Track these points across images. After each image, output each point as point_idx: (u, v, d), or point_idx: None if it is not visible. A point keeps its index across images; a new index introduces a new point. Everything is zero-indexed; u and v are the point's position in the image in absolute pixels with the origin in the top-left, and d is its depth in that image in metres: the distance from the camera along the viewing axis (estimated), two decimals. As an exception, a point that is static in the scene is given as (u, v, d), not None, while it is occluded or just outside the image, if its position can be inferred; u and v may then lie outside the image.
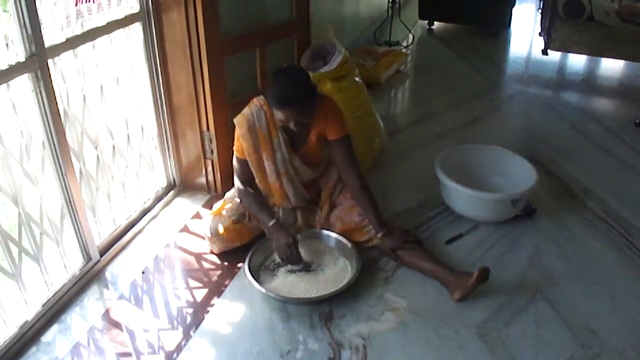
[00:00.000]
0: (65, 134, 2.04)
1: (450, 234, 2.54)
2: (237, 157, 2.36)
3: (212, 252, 2.44)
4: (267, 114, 2.26)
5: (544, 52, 4.48)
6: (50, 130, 1.97)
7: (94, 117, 2.29)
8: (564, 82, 4.50)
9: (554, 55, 4.69)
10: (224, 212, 2.40)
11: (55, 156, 2.02)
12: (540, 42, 4.72)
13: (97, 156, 2.35)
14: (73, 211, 2.14)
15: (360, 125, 2.83)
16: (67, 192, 2.10)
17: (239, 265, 2.36)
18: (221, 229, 2.34)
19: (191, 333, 2.04)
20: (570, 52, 4.53)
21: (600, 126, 3.60)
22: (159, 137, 2.68)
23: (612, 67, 4.61)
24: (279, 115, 2.14)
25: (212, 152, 2.70)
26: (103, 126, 2.36)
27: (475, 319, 2.09)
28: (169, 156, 2.75)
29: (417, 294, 2.21)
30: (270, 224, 2.29)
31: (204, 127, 2.64)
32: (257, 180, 2.38)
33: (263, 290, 2.13)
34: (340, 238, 2.37)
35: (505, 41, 5.30)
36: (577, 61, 4.78)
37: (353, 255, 2.29)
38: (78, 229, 2.19)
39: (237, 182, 2.41)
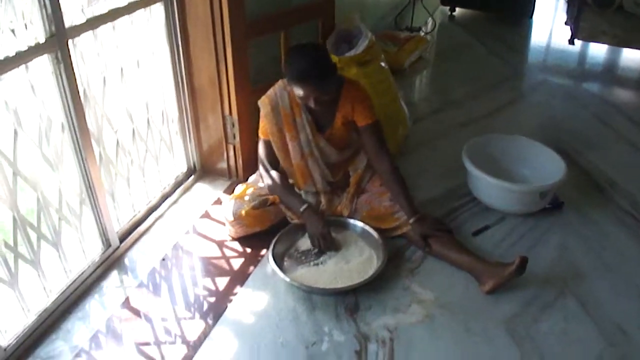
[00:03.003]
0: (85, 117, 1.99)
1: (476, 225, 2.47)
2: (262, 140, 2.32)
3: (231, 238, 2.39)
4: (291, 94, 2.22)
5: (571, 42, 4.37)
6: (70, 114, 1.92)
7: (114, 100, 2.23)
8: (587, 72, 4.38)
9: (578, 45, 4.57)
10: (245, 198, 2.34)
11: (75, 140, 1.97)
12: (565, 32, 4.61)
13: (117, 140, 2.29)
14: (93, 196, 2.09)
15: (386, 112, 2.75)
16: (87, 177, 2.05)
17: (262, 252, 2.31)
18: (243, 213, 2.28)
19: (213, 323, 1.99)
20: (598, 42, 4.41)
21: (625, 118, 3.50)
22: (180, 121, 2.62)
23: (636, 58, 4.48)
24: (297, 91, 2.09)
25: (234, 137, 2.64)
26: (123, 110, 2.30)
27: (504, 313, 2.03)
28: (190, 141, 2.70)
29: (445, 286, 2.14)
30: (303, 208, 2.25)
31: (226, 112, 2.58)
32: (280, 161, 2.33)
33: (287, 279, 2.07)
34: (367, 227, 2.31)
35: (527, 29, 5.17)
36: (601, 51, 4.65)
37: (379, 245, 2.23)
38: (98, 214, 2.14)
39: (262, 166, 2.36)
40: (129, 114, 2.33)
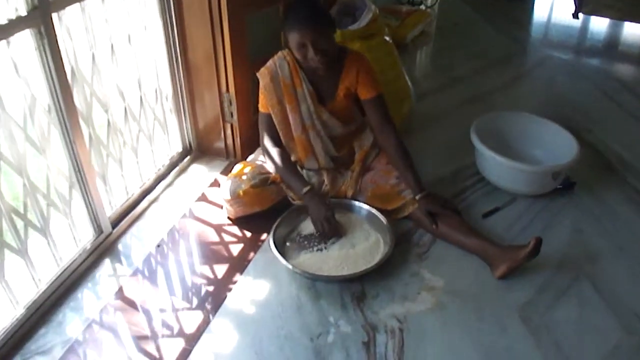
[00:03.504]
0: (72, 97, 1.86)
1: (486, 207, 2.37)
2: (261, 114, 2.22)
3: (230, 218, 2.28)
4: (291, 64, 2.14)
5: (575, 16, 4.24)
6: (56, 93, 1.79)
7: (104, 78, 2.10)
8: (592, 47, 4.25)
9: (583, 20, 4.44)
10: (244, 176, 2.22)
11: (62, 121, 1.84)
12: (569, 6, 4.47)
13: (108, 120, 2.17)
14: (82, 180, 1.97)
15: (390, 88, 2.62)
16: (76, 160, 1.92)
17: (263, 237, 2.20)
18: (241, 192, 2.17)
19: (212, 314, 1.88)
20: (602, 16, 4.29)
21: (631, 94, 3.39)
22: (174, 99, 2.49)
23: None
24: (294, 40, 2.01)
25: (231, 115, 2.51)
26: (114, 88, 2.17)
27: (516, 300, 1.93)
28: (185, 119, 2.57)
29: (454, 272, 2.05)
30: (304, 191, 2.14)
31: (223, 89, 2.45)
32: (281, 135, 2.23)
33: (290, 266, 1.97)
34: (373, 210, 2.20)
35: (531, 3, 5.03)
36: (607, 26, 4.53)
37: (386, 229, 2.12)
38: (88, 199, 2.02)
39: (264, 143, 2.26)
40: (120, 92, 2.20)
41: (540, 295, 1.95)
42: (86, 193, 2.01)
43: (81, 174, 1.96)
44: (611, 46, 4.27)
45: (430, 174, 2.55)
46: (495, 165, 2.38)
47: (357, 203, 2.25)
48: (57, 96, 1.79)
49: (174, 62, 2.40)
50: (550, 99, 3.30)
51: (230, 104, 2.48)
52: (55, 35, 1.74)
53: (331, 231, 2.12)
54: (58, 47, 1.75)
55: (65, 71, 1.80)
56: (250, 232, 2.24)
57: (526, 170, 2.30)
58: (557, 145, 2.46)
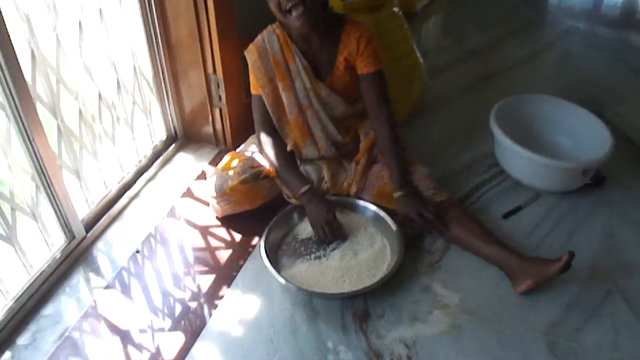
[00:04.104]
0: (27, 87, 1.59)
1: (506, 206, 2.11)
2: (254, 97, 1.96)
3: (217, 217, 2.04)
4: (281, 38, 1.89)
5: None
6: (7, 84, 1.51)
7: (72, 61, 1.82)
8: (617, 17, 3.90)
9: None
10: (232, 170, 1.96)
11: (17, 116, 1.58)
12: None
13: (79, 108, 1.90)
14: (47, 182, 1.72)
15: (400, 67, 2.35)
16: (38, 160, 1.66)
17: (254, 242, 1.96)
18: (228, 188, 1.91)
19: (194, 336, 1.65)
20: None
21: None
22: (156, 81, 2.22)
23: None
24: None
25: (219, 99, 2.24)
26: (84, 72, 1.89)
27: (542, 321, 1.69)
28: (169, 104, 2.30)
29: (472, 286, 1.80)
30: (303, 190, 1.89)
31: (210, 69, 2.18)
32: (274, 120, 1.96)
33: (283, 281, 1.72)
34: (380, 212, 1.93)
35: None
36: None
37: (393, 233, 1.87)
38: (56, 203, 1.77)
39: (258, 131, 2.00)
40: (92, 76, 1.92)
41: (568, 315, 1.71)
42: (53, 196, 1.76)
43: (45, 175, 1.70)
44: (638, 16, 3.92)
45: (444, 165, 2.29)
46: (518, 159, 2.11)
47: (361, 202, 2.00)
48: (8, 87, 1.52)
49: (154, 40, 2.12)
50: (574, 78, 2.99)
51: (218, 86, 2.20)
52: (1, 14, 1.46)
53: (332, 236, 1.87)
54: (5, 26, 1.47)
55: (17, 60, 1.52)
56: (240, 234, 1.99)
57: (554, 166, 2.03)
58: (587, 135, 2.19)
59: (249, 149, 2.09)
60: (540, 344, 1.63)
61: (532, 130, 2.29)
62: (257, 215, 1.99)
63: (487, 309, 1.73)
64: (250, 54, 1.91)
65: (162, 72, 2.20)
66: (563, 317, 1.70)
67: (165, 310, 1.73)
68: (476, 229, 1.87)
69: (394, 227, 1.88)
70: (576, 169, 2.03)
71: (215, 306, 1.73)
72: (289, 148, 1.99)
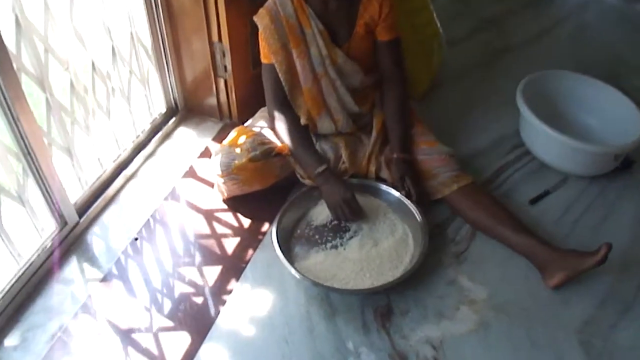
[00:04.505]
0: (9, 57, 1.40)
1: (533, 190, 1.97)
2: (264, 66, 1.80)
3: (223, 199, 1.88)
4: (295, 0, 1.73)
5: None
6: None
7: (62, 27, 1.63)
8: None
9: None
10: (237, 150, 1.79)
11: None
12: None
13: (70, 80, 1.71)
14: (34, 161, 1.54)
15: (419, 36, 2.18)
16: (22, 137, 1.49)
17: (264, 228, 1.81)
18: (236, 166, 1.75)
19: (201, 336, 1.51)
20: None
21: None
22: (155, 48, 2.03)
23: None
24: None
25: (225, 69, 2.06)
26: (75, 39, 1.70)
27: (575, 318, 1.58)
28: (169, 74, 2.12)
29: (499, 279, 1.67)
30: (319, 170, 1.74)
31: (215, 37, 1.99)
32: (286, 90, 1.79)
33: (298, 275, 1.57)
34: (403, 198, 1.77)
35: None
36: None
37: (416, 220, 1.72)
38: (44, 185, 1.60)
39: (269, 104, 1.85)
40: (84, 44, 1.73)
41: (602, 311, 1.60)
42: (41, 177, 1.59)
43: (32, 155, 1.53)
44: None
45: (465, 145, 2.14)
46: (546, 141, 1.96)
47: (383, 186, 1.84)
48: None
49: (153, 4, 1.93)
50: (598, 52, 2.77)
51: (224, 55, 2.02)
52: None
53: (353, 215, 1.73)
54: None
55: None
56: (249, 219, 1.84)
57: (587, 150, 1.88)
58: (616, 115, 2.06)
59: (257, 124, 1.92)
60: (574, 342, 1.52)
61: (558, 108, 2.14)
62: (267, 197, 1.85)
63: (517, 304, 1.61)
64: (261, 19, 1.74)
65: (162, 40, 2.01)
66: (596, 313, 1.59)
67: (169, 307, 1.59)
68: (503, 215, 1.73)
69: (418, 217, 1.72)
70: (609, 154, 1.89)
71: (224, 302, 1.59)
72: (302, 122, 1.83)
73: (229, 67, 2.03)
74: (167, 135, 2.14)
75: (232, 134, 1.86)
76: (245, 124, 1.94)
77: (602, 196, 1.96)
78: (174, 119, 2.18)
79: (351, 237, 1.73)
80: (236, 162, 1.75)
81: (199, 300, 1.60)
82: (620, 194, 1.96)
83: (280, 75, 1.77)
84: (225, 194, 1.85)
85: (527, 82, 2.08)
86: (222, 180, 1.79)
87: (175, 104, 2.20)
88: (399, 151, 1.80)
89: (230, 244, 1.76)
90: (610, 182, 2.00)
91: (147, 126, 2.10)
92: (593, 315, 1.58)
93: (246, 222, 1.83)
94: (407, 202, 1.75)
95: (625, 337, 1.53)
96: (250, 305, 1.59)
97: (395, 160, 1.79)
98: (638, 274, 1.69)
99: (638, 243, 1.79)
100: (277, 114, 1.82)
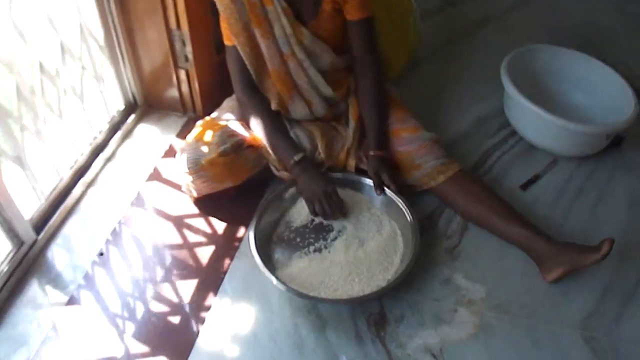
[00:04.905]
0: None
1: (522, 174, 1.87)
2: (228, 49, 1.64)
3: (193, 203, 1.73)
4: None
5: None
6: None
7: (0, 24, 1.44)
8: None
9: None
10: (208, 139, 1.63)
11: None
12: None
13: (16, 82, 1.53)
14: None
15: (393, 16, 2.03)
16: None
17: (240, 233, 1.67)
18: (204, 161, 1.60)
19: (182, 360, 1.37)
20: None
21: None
22: (107, 39, 1.84)
23: None
24: None
25: (185, 59, 1.89)
26: (15, 35, 1.51)
27: (576, 313, 1.50)
28: (125, 66, 1.93)
29: (496, 275, 1.58)
30: (296, 159, 1.60)
31: (173, 24, 1.81)
32: (252, 73, 1.64)
33: (282, 286, 1.44)
34: (389, 192, 1.64)
35: None
36: None
37: (404, 215, 1.60)
38: (-6, 205, 1.43)
39: (237, 90, 1.70)
40: (25, 39, 1.54)
41: (603, 303, 1.52)
42: (-12, 197, 1.41)
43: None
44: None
45: (447, 126, 2.03)
46: (535, 121, 1.85)
47: (368, 180, 1.69)
48: None
49: (102, -9, 1.74)
50: (583, 26, 2.58)
51: (184, 44, 1.84)
52: None
53: (333, 211, 1.59)
54: None
55: None
56: (223, 222, 1.69)
57: (579, 131, 1.78)
58: (606, 92, 1.97)
59: (224, 116, 1.75)
60: (577, 339, 1.45)
61: (544, 85, 2.04)
62: (240, 197, 1.71)
63: (516, 302, 1.52)
64: None
65: (115, 29, 1.83)
66: (598, 306, 1.51)
67: (143, 330, 1.44)
68: (495, 204, 1.63)
69: (407, 213, 1.59)
70: (601, 133, 1.79)
71: (203, 320, 1.46)
72: (273, 106, 1.68)
73: (190, 57, 1.86)
74: (127, 134, 1.96)
75: (197, 128, 1.70)
76: (211, 116, 1.77)
77: (593, 177, 1.87)
78: (133, 115, 2.00)
79: (335, 238, 1.61)
80: (205, 157, 1.59)
81: (175, 319, 1.46)
82: (611, 175, 1.88)
83: (244, 57, 1.62)
84: (195, 194, 1.70)
85: (512, 57, 1.96)
86: (190, 178, 1.63)
87: (134, 99, 2.02)
88: (375, 147, 1.67)
89: (205, 254, 1.61)
90: (600, 163, 1.91)
91: (104, 126, 1.92)
92: (595, 308, 1.51)
93: (220, 227, 1.69)
94: (393, 195, 1.63)
95: (630, 331, 1.46)
96: (231, 321, 1.46)
97: (371, 158, 1.66)
98: (637, 259, 1.62)
99: (634, 226, 1.72)
100: (245, 101, 1.68)
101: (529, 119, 1.87)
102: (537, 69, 2.03)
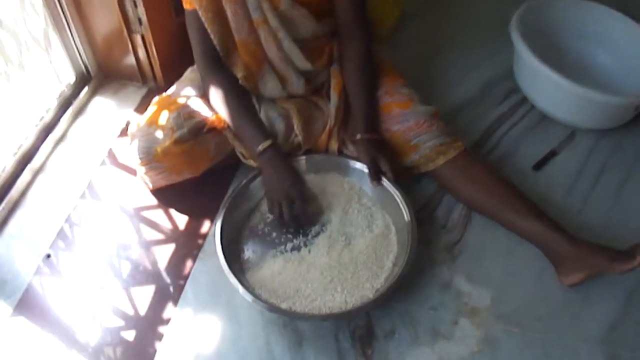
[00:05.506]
0: None
1: (535, 150, 1.61)
2: (187, 13, 1.37)
3: (151, 192, 1.50)
4: None
5: None
6: None
7: None
8: None
9: None
10: (159, 127, 1.37)
11: None
12: None
13: None
14: None
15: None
16: None
17: (204, 229, 1.44)
18: (158, 150, 1.35)
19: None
20: None
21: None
22: (48, 3, 1.56)
23: None
24: None
25: (139, 22, 1.61)
26: None
27: (597, 324, 1.27)
28: (72, 33, 1.66)
29: (505, 277, 1.35)
30: (262, 147, 1.34)
31: (122, -17, 1.53)
32: (216, 43, 1.36)
33: (249, 297, 1.21)
34: (385, 183, 1.38)
35: None
36: None
37: (398, 205, 1.35)
38: None
39: (198, 62, 1.43)
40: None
41: (627, 312, 1.29)
42: None
43: None
44: None
45: (448, 93, 1.76)
46: (550, 87, 1.58)
47: (357, 164, 1.44)
48: None
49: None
50: None
51: (135, 5, 1.57)
52: None
53: (292, 221, 1.35)
54: None
55: None
56: (185, 215, 1.46)
57: (603, 102, 1.51)
58: (631, 52, 1.68)
59: (183, 91, 1.48)
60: (599, 357, 1.21)
61: (563, 44, 1.77)
62: (206, 183, 1.47)
63: (528, 311, 1.29)
64: None
65: (55, -11, 1.55)
66: (621, 315, 1.28)
67: (93, 349, 1.23)
68: (505, 192, 1.38)
69: (406, 213, 1.33)
70: (629, 105, 1.52)
71: (160, 336, 1.24)
72: (240, 82, 1.41)
73: (144, 19, 1.59)
74: (79, 111, 1.71)
75: (152, 107, 1.44)
76: (168, 92, 1.51)
77: (617, 154, 1.62)
78: (86, 88, 1.74)
79: (317, 234, 1.37)
80: (158, 146, 1.34)
81: (129, 336, 1.24)
82: (636, 154, 1.62)
83: (206, 25, 1.34)
84: (151, 186, 1.46)
85: (524, 9, 1.68)
86: (143, 169, 1.39)
87: (87, 69, 1.75)
88: (364, 130, 1.40)
89: (164, 254, 1.39)
90: (626, 136, 1.65)
91: (53, 103, 1.66)
92: (618, 318, 1.28)
93: (182, 221, 1.45)
94: (389, 185, 1.38)
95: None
96: (193, 337, 1.24)
97: (363, 142, 1.39)
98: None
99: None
100: (208, 76, 1.41)
101: (543, 84, 1.60)
102: (554, 24, 1.74)
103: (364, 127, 1.40)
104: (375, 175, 1.36)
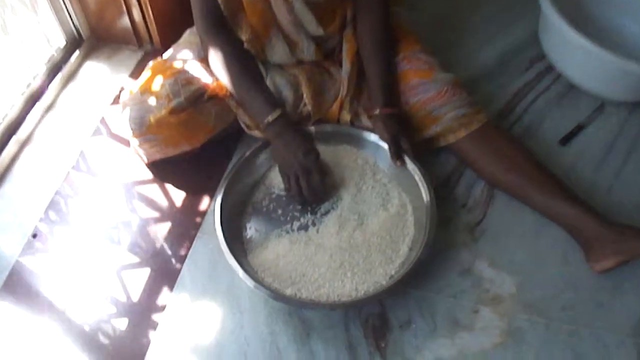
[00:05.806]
0: None
1: (561, 123, 1.49)
2: None
3: (146, 165, 1.39)
4: None
5: None
6: None
7: None
8: None
9: None
10: (153, 95, 1.25)
11: None
12: None
13: None
14: None
15: None
16: None
17: (203, 205, 1.33)
18: (152, 120, 1.23)
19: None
20: None
21: None
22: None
23: None
24: None
25: (135, -19, 1.48)
26: None
27: (628, 314, 1.17)
28: (61, -8, 1.53)
29: (531, 263, 1.24)
30: (270, 118, 1.22)
31: None
32: (221, 4, 1.23)
33: (251, 282, 1.10)
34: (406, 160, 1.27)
35: None
36: None
37: (417, 180, 1.23)
38: None
39: (199, 25, 1.29)
40: None
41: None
42: None
43: None
44: None
45: (466, 61, 1.63)
46: (579, 55, 1.45)
47: (372, 135, 1.32)
48: None
49: None
50: None
51: (132, -39, 1.43)
52: None
53: (312, 195, 1.23)
54: None
55: None
56: (182, 191, 1.35)
57: (638, 73, 1.38)
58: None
59: (180, 55, 1.35)
60: (630, 349, 1.12)
61: (593, 9, 1.62)
62: (206, 155, 1.35)
63: (555, 300, 1.19)
64: None
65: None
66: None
67: (82, 339, 1.13)
68: (532, 169, 1.27)
69: (425, 193, 1.22)
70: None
71: (155, 325, 1.14)
72: (245, 45, 1.29)
73: (141, -22, 1.46)
74: (70, 77, 1.59)
75: (146, 73, 1.31)
76: (164, 56, 1.38)
77: (647, 129, 1.49)
78: (77, 52, 1.61)
79: (327, 212, 1.26)
80: (152, 115, 1.23)
81: (121, 324, 1.15)
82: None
83: None
84: (145, 159, 1.35)
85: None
86: (136, 142, 1.28)
87: (78, 32, 1.63)
88: (383, 104, 1.27)
89: (159, 233, 1.28)
90: (660, 108, 1.53)
91: (41, 68, 1.54)
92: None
93: (179, 197, 1.35)
94: (409, 161, 1.26)
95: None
96: (190, 326, 1.15)
97: (382, 117, 1.27)
98: None
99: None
100: (209, 38, 1.27)
101: (573, 51, 1.46)
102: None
103: (382, 101, 1.27)
104: (397, 154, 1.24)
